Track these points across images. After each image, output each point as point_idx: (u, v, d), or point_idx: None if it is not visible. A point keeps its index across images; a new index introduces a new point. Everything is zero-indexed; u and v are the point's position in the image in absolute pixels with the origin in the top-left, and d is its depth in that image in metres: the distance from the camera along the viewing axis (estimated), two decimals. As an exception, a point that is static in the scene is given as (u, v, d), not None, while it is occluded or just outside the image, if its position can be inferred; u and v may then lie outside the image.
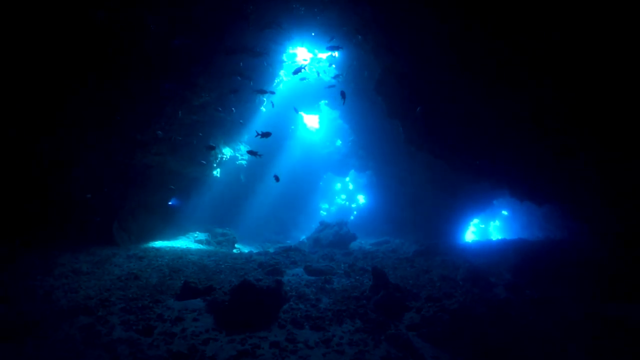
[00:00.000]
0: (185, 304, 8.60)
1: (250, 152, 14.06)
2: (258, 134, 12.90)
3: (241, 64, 15.10)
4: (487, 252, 16.97)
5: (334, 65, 21.93)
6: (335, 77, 19.40)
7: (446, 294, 10.53)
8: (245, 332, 7.40)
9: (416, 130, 13.32)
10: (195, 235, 19.47)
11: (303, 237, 26.39)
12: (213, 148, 16.41)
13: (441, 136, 12.63)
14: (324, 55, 22.25)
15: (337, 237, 19.87)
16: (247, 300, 7.90)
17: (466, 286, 11.73)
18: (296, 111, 19.31)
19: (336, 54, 21.12)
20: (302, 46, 21.45)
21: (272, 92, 18.18)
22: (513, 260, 14.61)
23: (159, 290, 9.51)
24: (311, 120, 49.52)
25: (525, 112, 10.65)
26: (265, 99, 21.29)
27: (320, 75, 24.09)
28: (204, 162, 17.46)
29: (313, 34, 18.28)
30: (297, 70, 14.80)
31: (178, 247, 16.26)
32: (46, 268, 11.02)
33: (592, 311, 10.03)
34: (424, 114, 11.87)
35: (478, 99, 11.11)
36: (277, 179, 14.15)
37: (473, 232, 36.12)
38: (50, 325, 7.36)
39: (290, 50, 21.53)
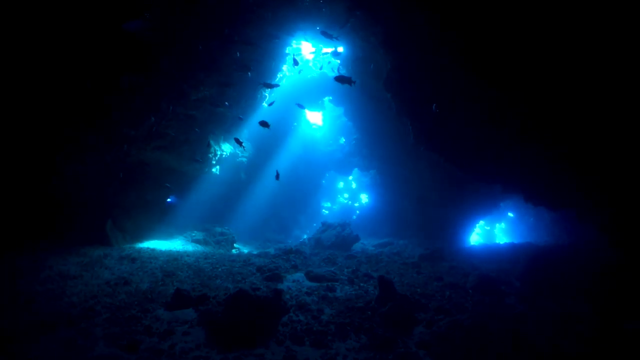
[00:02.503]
0: (175, 314, 7.95)
1: (236, 140, 13.33)
2: (266, 125, 12.25)
3: (238, 54, 14.32)
4: (495, 257, 16.39)
5: (339, 61, 21.19)
6: (338, 69, 18.63)
7: (456, 305, 9.90)
8: (239, 349, 6.75)
9: (427, 130, 12.63)
10: (193, 234, 18.83)
11: (304, 237, 25.82)
12: (209, 145, 15.69)
13: (454, 137, 11.95)
14: (329, 49, 21.51)
15: (339, 238, 19.23)
16: (243, 312, 7.23)
17: (476, 296, 11.11)
18: (301, 107, 18.63)
19: (341, 48, 20.45)
20: (306, 40, 20.73)
21: (277, 85, 17.47)
22: (523, 266, 14.00)
23: (149, 297, 8.86)
24: (314, 117, 48.77)
25: (540, 113, 10.03)
26: (267, 95, 20.60)
27: (323, 69, 23.34)
28: (199, 159, 16.76)
29: (318, 27, 17.58)
30: (295, 62, 14.05)
31: (174, 248, 15.63)
32: (32, 271, 10.40)
33: (610, 325, 9.41)
34: (436, 113, 11.17)
35: (493, 98, 10.45)
36: (277, 176, 13.41)
37: (478, 234, 35.55)
38: (27, 339, 6.71)
39: (294, 45, 20.83)
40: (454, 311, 9.41)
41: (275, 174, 13.38)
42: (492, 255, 16.97)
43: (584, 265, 12.76)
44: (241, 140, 13.67)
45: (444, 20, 10.17)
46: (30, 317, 7.58)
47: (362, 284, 11.10)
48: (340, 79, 11.81)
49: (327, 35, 13.67)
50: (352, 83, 11.52)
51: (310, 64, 26.24)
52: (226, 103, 15.91)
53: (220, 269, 12.02)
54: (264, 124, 11.97)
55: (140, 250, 14.01)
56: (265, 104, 21.58)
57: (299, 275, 11.65)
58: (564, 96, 9.40)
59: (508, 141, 11.38)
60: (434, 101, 11.12)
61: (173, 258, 13.12)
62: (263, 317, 7.35)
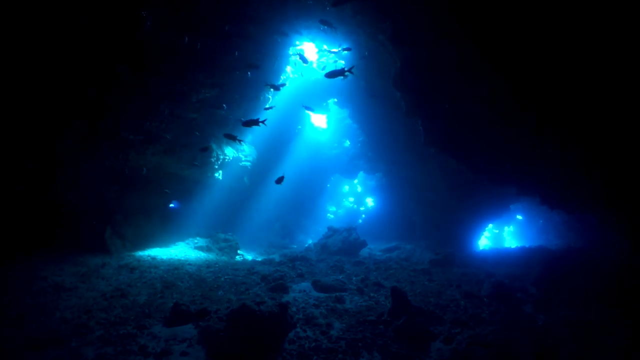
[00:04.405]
0: (174, 331, 7.39)
1: (227, 136, 12.41)
2: (255, 124, 11.04)
3: (236, 53, 13.73)
4: (508, 261, 15.87)
5: (343, 62, 20.65)
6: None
7: (473, 316, 9.33)
8: (243, 371, 6.20)
9: (438, 130, 12.03)
10: (196, 241, 18.29)
11: (310, 242, 25.32)
12: (207, 150, 14.96)
13: (466, 138, 11.35)
14: (334, 49, 20.97)
15: (346, 243, 18.68)
16: (246, 329, 6.67)
17: (493, 305, 10.55)
18: (309, 109, 17.92)
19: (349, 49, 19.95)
20: (310, 41, 20.19)
21: (283, 84, 16.79)
22: (538, 272, 13.47)
23: (146, 312, 8.31)
24: (318, 120, 48.26)
25: (559, 112, 9.46)
26: (270, 97, 20.07)
27: (327, 70, 22.78)
28: (197, 163, 16.18)
29: (322, 28, 17.07)
30: (304, 60, 13.32)
31: (175, 256, 15.08)
32: (25, 282, 9.91)
33: (636, 335, 8.85)
34: (448, 113, 10.59)
35: (509, 96, 9.88)
36: (279, 180, 12.15)
37: (486, 237, 34.90)
38: (12, 360, 6.20)
39: (298, 45, 20.27)
40: (471, 323, 8.85)
41: (278, 177, 12.20)
42: (504, 259, 16.45)
43: (601, 270, 12.24)
44: (247, 144, 12.85)
45: (456, 14, 9.63)
46: (18, 334, 7.07)
47: (372, 294, 10.51)
48: (332, 74, 11.01)
49: (326, 24, 12.99)
50: (345, 73, 10.64)
51: (315, 65, 25.70)
52: (224, 105, 15.28)
53: (223, 279, 11.47)
54: (251, 122, 10.88)
55: (140, 259, 13.50)
56: (272, 106, 21.07)
57: (306, 285, 11.07)
58: (586, 93, 8.84)
59: (524, 142, 10.81)
60: (446, 100, 10.55)
61: (174, 267, 12.59)
62: (268, 334, 6.78)
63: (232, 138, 11.91)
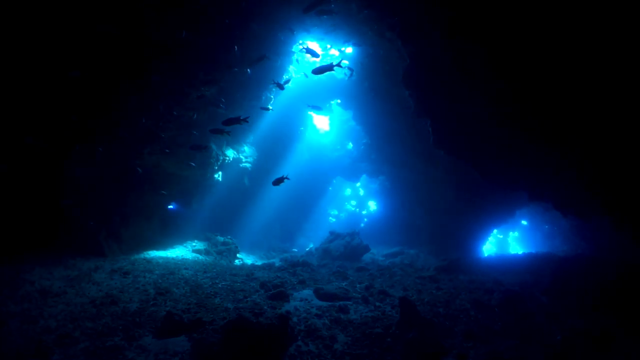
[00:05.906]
0: (165, 343, 6.82)
1: (214, 131, 11.75)
2: (237, 122, 10.39)
3: (235, 48, 13.17)
4: (515, 268, 15.35)
5: (347, 62, 20.17)
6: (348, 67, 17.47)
7: (485, 328, 8.77)
8: (238, 390, 5.64)
9: (449, 132, 11.49)
10: (194, 243, 17.77)
11: (311, 245, 24.84)
12: (199, 149, 14.25)
13: (478, 140, 10.81)
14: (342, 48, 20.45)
15: (348, 248, 18.15)
16: (243, 343, 6.12)
17: (504, 315, 10.00)
18: (316, 107, 17.34)
19: (350, 49, 19.46)
20: (314, 40, 19.70)
21: (288, 81, 16.24)
22: (548, 279, 12.98)
23: (137, 321, 7.74)
24: (321, 122, 47.75)
25: (577, 115, 8.96)
26: (272, 97, 19.56)
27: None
28: (193, 164, 15.59)
29: (326, 29, 16.58)
30: (314, 54, 12.83)
31: (172, 259, 14.53)
32: (11, 286, 9.38)
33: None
34: (461, 114, 10.05)
35: (524, 96, 9.36)
36: (277, 182, 11.27)
37: (490, 243, 34.33)
38: (-15, 375, 5.66)
39: (300, 46, 19.80)
40: (483, 336, 8.30)
41: (275, 179, 11.27)
42: (511, 266, 15.94)
43: (614, 278, 11.77)
44: (248, 145, 12.28)
45: (468, 9, 9.14)
46: (-4, 345, 6.53)
47: (377, 303, 9.94)
48: (319, 69, 10.53)
49: (325, 13, 12.43)
50: (334, 68, 10.24)
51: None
52: (222, 105, 14.71)
53: (220, 285, 10.91)
54: (233, 121, 10.31)
55: (134, 262, 12.95)
56: (270, 107, 20.60)
57: (307, 293, 10.50)
58: (602, 96, 8.37)
59: (537, 147, 10.29)
60: (457, 100, 10.01)
61: (169, 271, 12.04)
62: (266, 348, 6.24)
63: (219, 132, 11.32)
